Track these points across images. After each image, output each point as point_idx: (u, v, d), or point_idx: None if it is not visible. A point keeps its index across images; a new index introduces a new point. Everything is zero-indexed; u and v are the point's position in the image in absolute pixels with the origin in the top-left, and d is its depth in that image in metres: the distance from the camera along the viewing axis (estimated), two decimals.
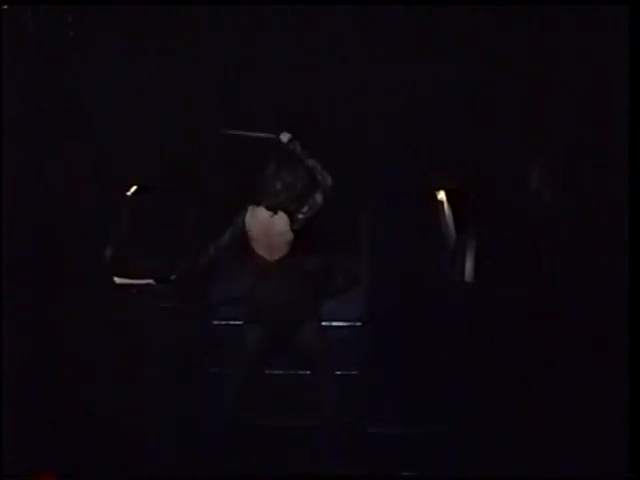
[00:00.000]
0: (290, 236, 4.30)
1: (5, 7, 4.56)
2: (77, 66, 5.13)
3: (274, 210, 4.30)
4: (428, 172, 5.18)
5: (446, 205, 5.17)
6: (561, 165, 4.78)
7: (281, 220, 4.30)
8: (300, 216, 4.30)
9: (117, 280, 4.66)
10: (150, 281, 4.55)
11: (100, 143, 5.04)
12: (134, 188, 5.25)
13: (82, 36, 5.10)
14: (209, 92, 5.24)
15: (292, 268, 4.36)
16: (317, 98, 5.21)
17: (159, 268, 4.64)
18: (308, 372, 4.58)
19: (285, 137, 4.29)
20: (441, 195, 5.20)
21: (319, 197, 4.28)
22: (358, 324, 5.14)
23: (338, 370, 4.60)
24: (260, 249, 4.35)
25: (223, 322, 5.09)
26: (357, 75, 5.20)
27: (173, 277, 4.49)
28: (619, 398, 3.92)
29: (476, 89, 5.09)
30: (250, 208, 4.34)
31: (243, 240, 4.33)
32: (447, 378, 4.67)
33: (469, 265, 4.93)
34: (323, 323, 4.67)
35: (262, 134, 4.37)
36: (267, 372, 4.75)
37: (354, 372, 4.88)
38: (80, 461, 4.12)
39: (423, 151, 5.17)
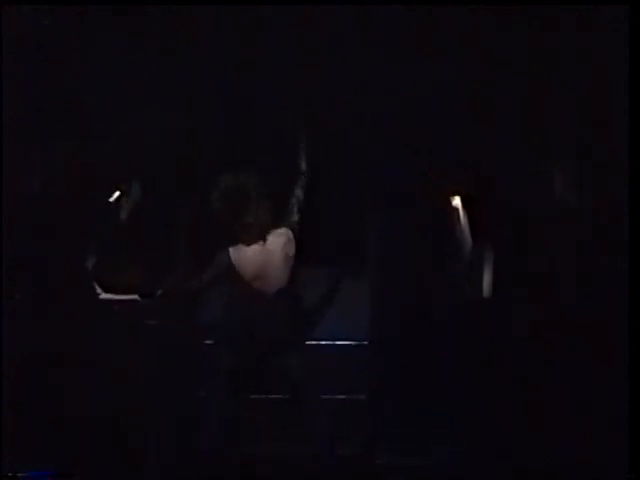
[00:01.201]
0: (293, 248, 3.94)
1: (5, 7, 4.57)
2: (77, 66, 5.13)
3: (262, 238, 3.91)
4: (437, 176, 4.98)
5: (461, 212, 4.84)
6: (577, 168, 4.69)
7: (278, 238, 3.93)
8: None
9: (101, 295, 4.40)
10: (135, 296, 4.32)
11: (90, 145, 5.01)
12: (117, 194, 4.86)
13: (82, 36, 5.09)
14: (207, 94, 5.22)
15: (288, 296, 4.02)
16: (317, 98, 5.20)
17: (144, 282, 4.40)
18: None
19: None
20: (456, 201, 4.86)
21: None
22: (364, 343, 4.79)
23: (342, 394, 4.38)
24: (260, 284, 3.95)
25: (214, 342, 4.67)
26: (357, 75, 5.19)
27: (159, 292, 4.23)
28: (619, 398, 3.92)
29: (476, 89, 5.08)
30: (232, 249, 3.93)
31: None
32: (463, 401, 4.44)
33: (487, 279, 4.61)
34: (325, 342, 4.45)
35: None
36: (256, 397, 4.45)
37: (360, 396, 4.57)
38: (80, 461, 4.12)
39: (430, 155, 5.09)
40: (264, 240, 3.95)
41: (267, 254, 3.94)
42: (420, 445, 4.37)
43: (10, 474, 3.91)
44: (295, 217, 4.03)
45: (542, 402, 4.30)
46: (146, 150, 5.14)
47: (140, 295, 4.32)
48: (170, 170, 5.16)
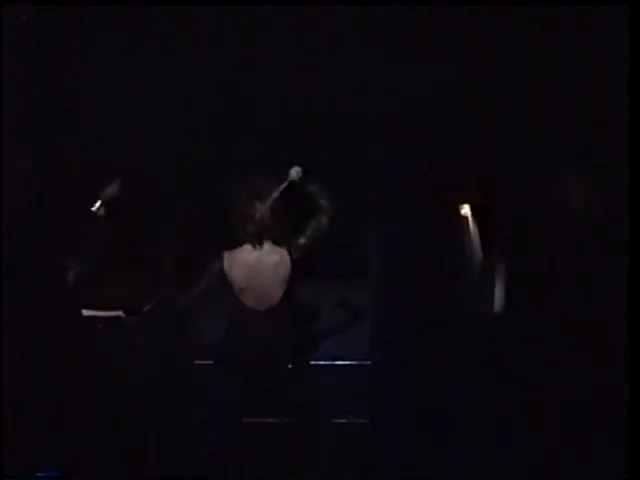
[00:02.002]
0: (287, 271, 3.80)
1: (5, 7, 4.57)
2: (77, 66, 5.13)
3: (259, 244, 3.81)
4: (442, 183, 4.81)
5: (471, 222, 4.60)
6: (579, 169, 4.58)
7: (273, 254, 3.81)
8: (302, 241, 3.82)
9: (84, 312, 4.16)
10: (119, 313, 4.11)
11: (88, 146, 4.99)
12: (99, 203, 4.52)
13: (82, 36, 5.09)
14: (207, 94, 5.22)
15: (285, 315, 3.87)
16: (317, 98, 5.20)
17: (130, 298, 4.19)
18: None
19: (296, 173, 3.83)
20: (465, 210, 4.61)
21: (325, 219, 3.83)
22: (367, 363, 4.60)
23: (343, 418, 4.19)
24: (248, 299, 3.85)
25: (207, 362, 4.48)
26: (357, 75, 5.19)
27: (146, 309, 4.03)
28: (619, 398, 3.92)
29: (476, 89, 5.08)
30: (227, 254, 3.85)
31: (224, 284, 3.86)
32: (471, 425, 4.27)
33: (499, 294, 4.39)
34: (324, 362, 4.26)
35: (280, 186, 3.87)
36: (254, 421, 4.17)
37: (362, 420, 4.35)
38: (80, 461, 4.11)
39: (432, 158, 5.04)
40: (260, 245, 3.87)
41: (257, 263, 3.86)
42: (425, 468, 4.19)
43: (10, 474, 3.90)
44: (301, 241, 3.90)
45: (542, 402, 4.30)
46: (144, 153, 5.13)
47: (125, 312, 4.11)
48: (166, 174, 5.14)
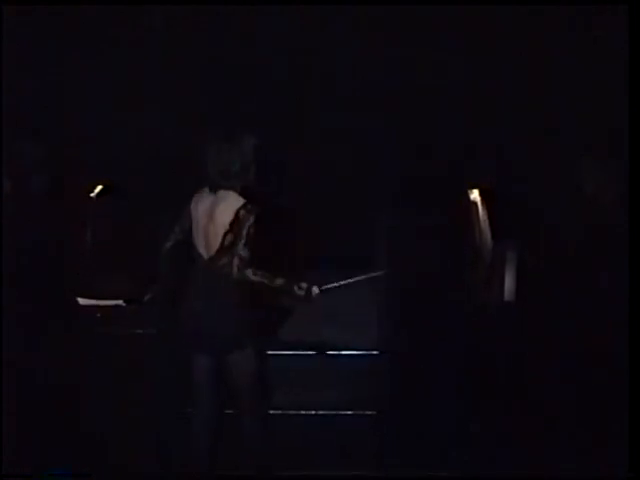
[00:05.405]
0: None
1: (5, 7, 4.58)
2: (76, 66, 5.14)
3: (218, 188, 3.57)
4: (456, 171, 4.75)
5: (480, 208, 4.44)
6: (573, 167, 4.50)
7: (229, 196, 3.56)
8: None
9: (81, 301, 3.99)
10: (119, 302, 3.97)
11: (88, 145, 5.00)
12: (99, 189, 4.48)
13: (82, 36, 5.11)
14: (196, 93, 5.23)
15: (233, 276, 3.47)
16: (317, 99, 5.22)
17: (130, 287, 4.02)
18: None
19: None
20: (474, 195, 4.43)
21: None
22: (374, 353, 4.47)
23: (350, 409, 4.13)
24: (199, 241, 3.60)
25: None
26: (358, 75, 5.20)
27: (147, 298, 3.76)
28: (619, 398, 3.92)
29: (475, 89, 5.10)
30: (196, 196, 3.66)
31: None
32: (479, 418, 4.22)
33: (509, 283, 4.21)
34: (330, 352, 4.14)
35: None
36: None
37: (369, 412, 4.26)
38: (81, 461, 4.11)
39: (441, 150, 5.03)
40: (217, 191, 3.66)
41: (215, 203, 3.63)
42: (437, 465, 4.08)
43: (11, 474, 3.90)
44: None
45: (542, 401, 4.30)
46: (142, 149, 5.14)
47: (125, 301, 3.95)
48: (159, 169, 5.14)
